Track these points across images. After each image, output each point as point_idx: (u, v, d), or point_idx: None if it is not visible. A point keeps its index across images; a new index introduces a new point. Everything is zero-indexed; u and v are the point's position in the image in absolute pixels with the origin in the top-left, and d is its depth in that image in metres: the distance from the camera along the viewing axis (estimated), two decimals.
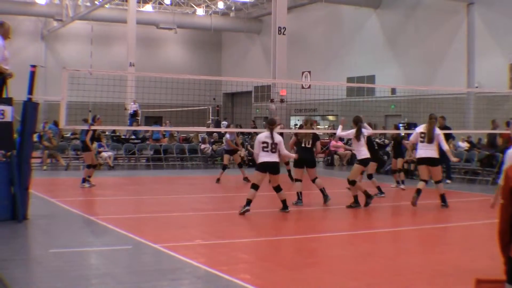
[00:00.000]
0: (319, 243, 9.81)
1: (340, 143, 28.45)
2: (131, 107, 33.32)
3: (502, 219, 3.76)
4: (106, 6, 42.87)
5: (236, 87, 48.70)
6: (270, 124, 12.36)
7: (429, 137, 13.41)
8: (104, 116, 23.21)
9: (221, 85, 47.69)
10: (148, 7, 47.71)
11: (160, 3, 48.01)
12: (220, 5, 48.42)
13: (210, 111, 38.54)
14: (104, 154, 23.19)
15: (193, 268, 7.62)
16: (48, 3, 44.10)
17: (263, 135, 12.24)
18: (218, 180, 18.73)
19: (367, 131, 13.92)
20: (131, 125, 31.03)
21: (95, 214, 11.78)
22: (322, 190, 13.98)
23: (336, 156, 27.94)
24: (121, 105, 33.29)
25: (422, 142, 13.53)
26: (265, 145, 12.10)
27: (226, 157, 19.65)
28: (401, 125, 33.33)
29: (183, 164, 25.06)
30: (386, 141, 28.74)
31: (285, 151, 12.59)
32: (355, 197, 13.34)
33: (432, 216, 13.17)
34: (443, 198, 13.61)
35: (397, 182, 17.96)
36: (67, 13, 41.90)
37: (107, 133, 29.48)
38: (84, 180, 16.51)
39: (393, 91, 36.04)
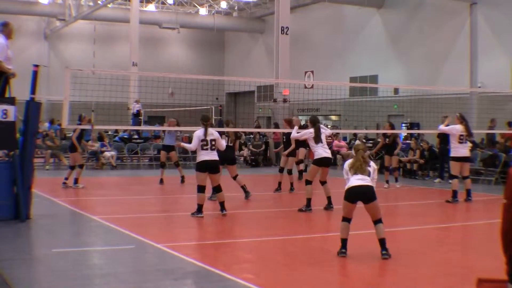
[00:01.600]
0: (322, 242, 9.81)
1: (343, 143, 28.41)
2: (134, 106, 33.34)
3: (505, 218, 3.75)
4: (109, 5, 42.87)
5: (239, 86, 48.71)
6: (204, 120, 11.70)
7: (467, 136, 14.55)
8: (107, 116, 23.30)
9: (224, 85, 47.72)
10: (151, 7, 47.73)
11: (163, 3, 48.03)
12: (223, 4, 48.45)
13: (213, 111, 38.53)
14: (107, 154, 23.22)
15: (195, 268, 7.63)
16: (51, 2, 44.14)
17: (201, 132, 11.61)
18: (161, 180, 18.11)
19: (325, 131, 13.21)
20: (134, 125, 31.06)
21: (98, 214, 11.79)
22: (243, 187, 14.53)
23: (338, 156, 27.89)
24: (124, 105, 33.33)
25: (461, 142, 14.48)
26: (204, 142, 11.51)
27: (162, 153, 18.61)
28: (403, 125, 33.39)
29: (186, 163, 25.05)
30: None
31: (223, 147, 12.02)
32: (308, 200, 12.67)
33: (434, 216, 13.16)
34: (469, 192, 14.70)
35: (387, 182, 17.63)
36: (70, 13, 41.92)
37: (109, 132, 29.50)
38: (76, 181, 16.23)
39: (396, 91, 36.01)
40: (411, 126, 32.49)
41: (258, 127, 32.19)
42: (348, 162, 8.60)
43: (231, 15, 50.62)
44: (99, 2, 39.57)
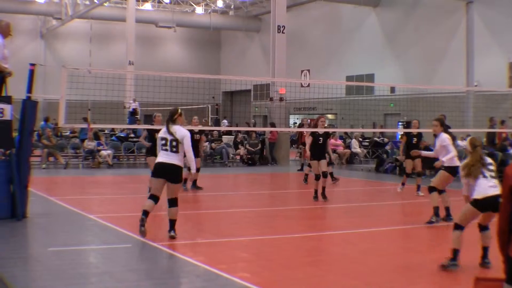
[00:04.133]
0: (318, 241, 9.81)
1: (339, 142, 28.41)
2: (131, 105, 33.29)
3: (501, 218, 3.76)
4: (105, 4, 42.87)
5: (235, 85, 48.74)
6: (170, 115, 9.46)
7: None
8: (104, 114, 23.27)
9: (220, 84, 47.72)
10: (147, 6, 47.70)
11: (159, 2, 48.01)
12: (219, 3, 48.43)
13: (209, 110, 38.54)
14: (104, 153, 23.18)
15: (192, 267, 7.62)
16: (47, 1, 44.09)
17: (163, 129, 9.46)
18: None
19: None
20: (130, 123, 31.02)
21: (95, 213, 11.77)
22: (195, 180, 14.83)
23: (335, 155, 27.91)
24: (120, 104, 33.28)
25: None
26: (163, 142, 9.24)
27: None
28: (400, 123, 33.43)
29: None
30: (386, 140, 28.75)
31: (190, 153, 9.21)
32: (435, 209, 11.16)
33: (431, 214, 13.16)
34: None
35: (402, 184, 15.76)
36: (66, 12, 41.88)
37: (106, 131, 29.45)
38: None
39: (392, 89, 36.07)
40: (408, 124, 32.52)
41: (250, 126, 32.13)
42: (466, 163, 7.66)
43: (228, 14, 50.61)
44: (95, 1, 39.53)
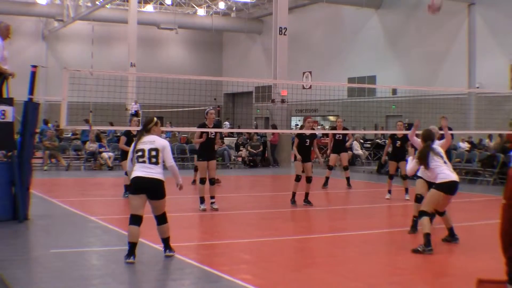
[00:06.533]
0: (320, 243, 9.80)
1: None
2: (132, 107, 33.32)
3: (504, 219, 3.74)
4: (107, 6, 42.93)
5: (237, 87, 48.76)
6: (145, 125, 8.29)
7: None
8: (105, 116, 23.28)
9: (222, 86, 47.74)
10: (149, 8, 47.77)
11: (161, 4, 48.06)
12: (221, 5, 48.48)
13: None
14: (105, 155, 23.19)
15: (193, 269, 7.62)
16: (49, 3, 44.17)
17: (134, 142, 8.33)
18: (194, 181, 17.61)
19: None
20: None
21: (96, 214, 11.77)
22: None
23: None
24: (122, 106, 33.31)
25: None
26: (139, 153, 7.98)
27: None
28: None
29: (184, 164, 25.01)
30: (387, 142, 28.73)
31: (173, 164, 8.20)
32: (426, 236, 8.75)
33: None
34: None
35: (389, 192, 15.14)
36: (68, 13, 41.94)
37: (107, 133, 29.46)
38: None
39: (394, 91, 36.05)
40: (409, 126, 32.49)
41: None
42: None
43: (229, 16, 50.67)
44: (97, 2, 39.58)
